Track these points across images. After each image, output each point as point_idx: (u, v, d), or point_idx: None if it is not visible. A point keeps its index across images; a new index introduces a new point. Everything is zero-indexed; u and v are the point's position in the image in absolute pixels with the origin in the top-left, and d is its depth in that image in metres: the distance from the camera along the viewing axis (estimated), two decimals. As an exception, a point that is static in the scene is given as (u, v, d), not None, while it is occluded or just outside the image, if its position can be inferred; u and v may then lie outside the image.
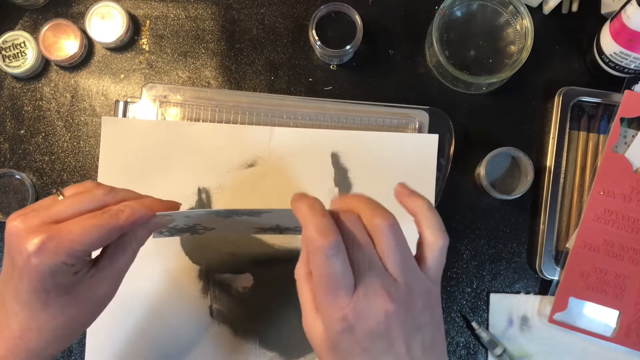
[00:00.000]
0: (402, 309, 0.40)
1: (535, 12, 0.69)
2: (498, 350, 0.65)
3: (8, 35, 0.66)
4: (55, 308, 0.42)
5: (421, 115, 0.67)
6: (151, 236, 0.48)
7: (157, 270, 0.64)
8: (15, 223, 0.41)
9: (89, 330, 0.63)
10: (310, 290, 0.42)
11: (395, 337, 0.40)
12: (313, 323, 0.42)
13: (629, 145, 0.66)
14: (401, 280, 0.41)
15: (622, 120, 0.66)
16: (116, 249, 0.45)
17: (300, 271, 0.43)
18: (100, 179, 0.65)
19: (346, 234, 0.41)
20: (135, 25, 0.69)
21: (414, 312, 0.42)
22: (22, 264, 0.40)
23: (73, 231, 0.41)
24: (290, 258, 0.65)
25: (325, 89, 0.68)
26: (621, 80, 0.67)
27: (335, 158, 0.66)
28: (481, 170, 0.65)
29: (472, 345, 0.66)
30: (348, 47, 0.64)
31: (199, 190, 0.65)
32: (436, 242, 0.44)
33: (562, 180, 0.67)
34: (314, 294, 0.41)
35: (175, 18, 0.69)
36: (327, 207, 0.45)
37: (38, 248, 0.40)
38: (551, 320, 0.65)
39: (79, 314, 0.44)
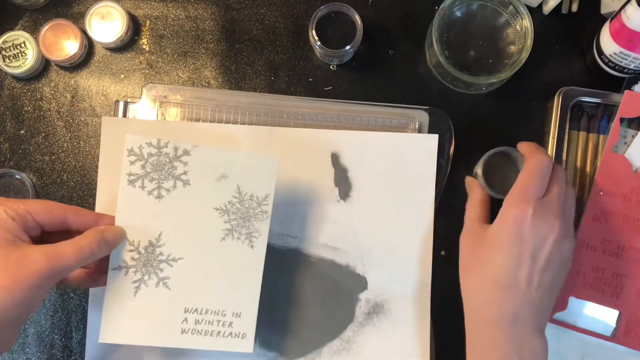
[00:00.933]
0: (561, 236, 0.55)
1: (535, 12, 0.69)
2: (498, 350, 0.65)
3: (8, 35, 0.66)
4: None
5: (421, 115, 0.67)
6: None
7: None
8: None
9: (88, 330, 0.63)
10: (480, 209, 0.62)
11: (547, 250, 0.55)
12: (478, 227, 0.60)
13: (628, 145, 0.66)
14: (566, 219, 0.57)
15: (622, 120, 0.66)
16: (64, 236, 0.51)
17: (473, 200, 0.63)
18: (100, 179, 0.65)
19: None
20: (135, 25, 0.69)
21: (565, 246, 0.56)
22: None
23: (21, 199, 0.51)
24: (290, 258, 0.65)
25: (325, 89, 0.69)
26: (621, 80, 0.67)
27: (335, 158, 0.66)
28: (478, 169, 0.65)
29: (472, 345, 0.66)
30: (348, 47, 0.64)
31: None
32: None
33: (562, 180, 0.67)
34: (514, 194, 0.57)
35: (175, 18, 0.69)
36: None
37: None
38: (551, 320, 0.65)
39: (2, 270, 0.47)
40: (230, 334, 0.55)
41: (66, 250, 0.49)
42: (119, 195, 0.54)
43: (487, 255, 0.56)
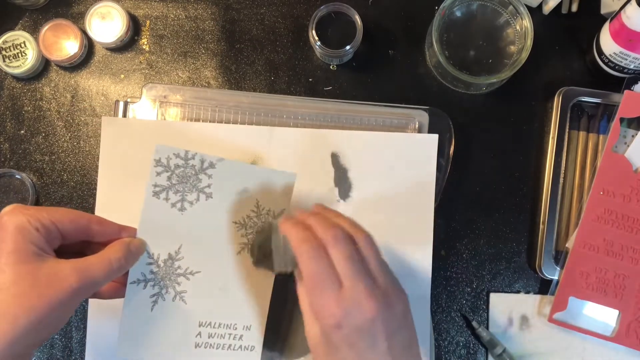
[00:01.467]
0: (384, 309, 0.45)
1: (535, 12, 0.69)
2: (498, 350, 0.65)
3: (8, 36, 0.66)
4: (9, 275, 0.44)
5: (421, 115, 0.67)
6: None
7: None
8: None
9: (89, 330, 0.63)
10: (306, 294, 0.47)
11: (378, 334, 0.44)
12: (311, 324, 0.46)
13: (628, 145, 0.66)
14: (382, 283, 0.46)
15: (621, 120, 0.66)
16: (92, 253, 0.49)
17: (298, 282, 0.49)
18: (100, 179, 0.65)
19: (328, 241, 0.46)
20: (135, 25, 0.69)
21: (394, 313, 0.46)
22: None
23: (45, 207, 0.49)
24: (290, 257, 0.65)
25: (325, 89, 0.69)
26: (621, 80, 0.67)
27: (335, 158, 0.66)
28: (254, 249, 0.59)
29: (472, 345, 0.67)
30: (348, 47, 0.64)
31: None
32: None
33: (562, 180, 0.67)
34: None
35: (175, 18, 0.69)
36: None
37: (10, 210, 0.46)
38: (551, 320, 0.65)
39: (32, 290, 0.44)
40: (240, 347, 0.56)
41: (96, 265, 0.47)
42: (143, 207, 0.54)
43: None
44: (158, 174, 0.54)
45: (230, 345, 0.55)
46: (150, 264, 0.53)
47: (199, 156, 0.55)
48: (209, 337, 0.55)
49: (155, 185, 0.54)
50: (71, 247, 0.49)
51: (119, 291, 0.55)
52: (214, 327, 0.55)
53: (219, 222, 0.55)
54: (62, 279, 0.44)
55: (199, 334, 0.55)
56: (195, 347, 0.54)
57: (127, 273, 0.53)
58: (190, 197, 0.54)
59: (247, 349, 0.56)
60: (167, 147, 0.54)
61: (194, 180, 0.55)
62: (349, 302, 0.44)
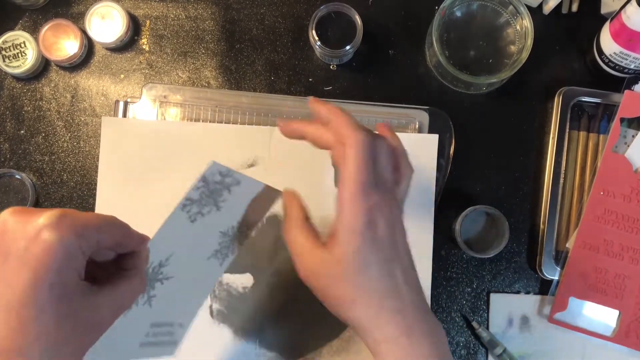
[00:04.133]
0: (400, 225, 0.47)
1: (535, 12, 0.69)
2: (498, 350, 0.65)
3: (8, 35, 0.66)
4: (52, 316, 0.34)
5: (421, 115, 0.67)
6: None
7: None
8: (10, 211, 0.35)
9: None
10: (307, 231, 0.47)
11: (400, 246, 0.46)
12: (319, 253, 0.46)
13: (629, 145, 0.66)
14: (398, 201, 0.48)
15: (622, 120, 0.66)
16: (119, 273, 0.41)
17: (294, 219, 0.48)
18: (100, 179, 0.65)
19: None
20: (135, 25, 0.69)
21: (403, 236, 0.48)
22: (22, 251, 0.33)
23: (88, 215, 0.36)
24: (290, 258, 0.65)
25: (325, 89, 0.68)
26: (621, 80, 0.67)
27: (335, 158, 0.66)
28: (456, 225, 0.65)
29: (472, 345, 0.66)
30: (348, 47, 0.64)
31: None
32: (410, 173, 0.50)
33: (562, 180, 0.67)
34: (340, 203, 0.45)
35: (175, 18, 0.69)
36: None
37: (54, 222, 0.34)
38: (551, 320, 0.65)
39: (73, 335, 0.36)
40: (164, 342, 0.53)
41: (127, 297, 0.40)
42: (167, 218, 0.47)
43: (360, 279, 0.44)
44: (198, 188, 0.48)
45: (158, 343, 0.52)
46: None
47: (238, 176, 0.50)
48: (154, 336, 0.51)
49: (188, 199, 0.48)
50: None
51: None
52: (160, 327, 0.51)
53: (212, 230, 0.52)
54: (101, 321, 0.38)
55: (148, 333, 0.51)
56: (140, 346, 0.51)
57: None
58: (205, 210, 0.50)
59: (168, 344, 0.53)
60: (219, 164, 0.48)
61: (217, 195, 0.50)
62: (381, 205, 0.45)
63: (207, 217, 0.50)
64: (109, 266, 0.40)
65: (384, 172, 0.46)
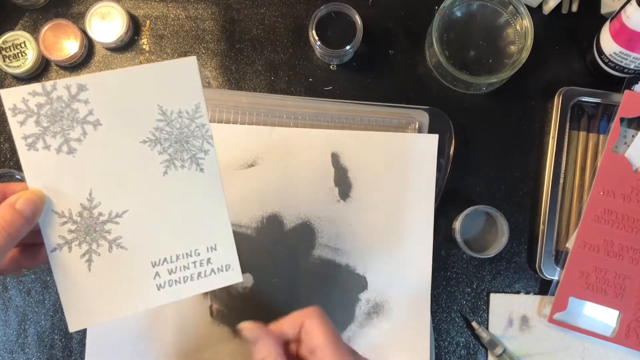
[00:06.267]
0: None
1: (535, 12, 0.69)
2: (498, 350, 0.65)
3: (8, 35, 0.66)
4: None
5: (421, 115, 0.67)
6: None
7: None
8: None
9: (88, 331, 0.63)
10: None
11: None
12: None
13: (629, 145, 0.66)
14: None
15: (622, 120, 0.66)
16: None
17: None
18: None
19: None
20: (135, 25, 0.69)
21: None
22: None
23: None
24: (290, 257, 0.65)
25: (325, 89, 0.69)
26: (621, 80, 0.67)
27: (335, 158, 0.66)
28: (456, 224, 0.65)
29: (472, 345, 0.67)
30: (348, 47, 0.64)
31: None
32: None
33: (562, 180, 0.67)
34: None
35: (175, 18, 0.69)
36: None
37: None
38: (551, 320, 0.65)
39: None
40: (213, 270, 0.48)
41: None
42: (23, 166, 0.45)
43: None
44: (21, 123, 0.44)
45: (199, 274, 0.48)
46: (64, 223, 0.46)
47: (61, 83, 0.44)
48: (170, 274, 0.48)
49: (25, 137, 0.44)
50: None
51: (28, 260, 0.48)
52: (171, 262, 0.48)
53: (123, 148, 0.46)
54: None
55: (157, 274, 0.47)
56: (159, 289, 0.47)
57: (35, 234, 0.46)
58: (74, 135, 0.45)
59: (222, 270, 0.49)
60: (16, 88, 0.44)
61: (69, 112, 0.45)
62: None
63: (88, 140, 0.46)
64: None
65: None
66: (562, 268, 0.65)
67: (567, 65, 0.70)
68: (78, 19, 0.68)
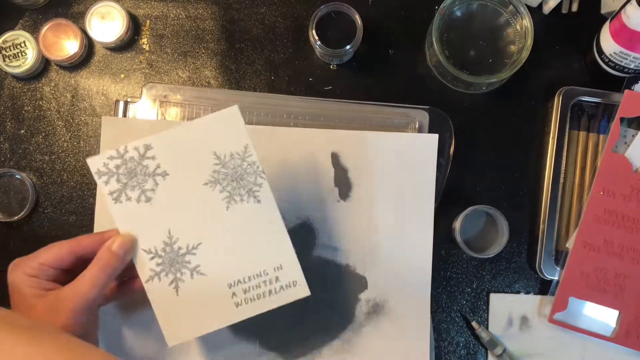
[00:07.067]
0: None
1: (535, 12, 0.69)
2: (498, 350, 0.65)
3: (8, 35, 0.66)
4: (25, 312, 0.51)
5: (421, 115, 0.67)
6: None
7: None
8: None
9: (89, 330, 0.64)
10: None
11: None
12: None
13: (629, 145, 0.66)
14: None
15: (622, 120, 0.66)
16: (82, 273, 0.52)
17: None
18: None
19: None
20: (135, 25, 0.69)
21: None
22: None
23: (35, 254, 0.53)
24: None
25: (325, 89, 0.68)
26: (621, 80, 0.67)
27: (335, 158, 0.66)
28: (456, 224, 0.65)
29: (472, 345, 0.66)
30: (348, 47, 0.64)
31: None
32: None
33: (562, 180, 0.67)
34: None
35: (175, 18, 0.69)
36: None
37: (10, 268, 0.53)
38: (551, 320, 0.65)
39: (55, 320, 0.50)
40: (282, 287, 0.55)
41: (84, 284, 0.51)
42: (113, 217, 0.54)
43: None
44: (106, 182, 0.53)
45: (270, 291, 0.55)
46: (152, 258, 0.54)
47: (131, 146, 0.54)
48: (245, 293, 0.55)
49: (111, 193, 0.54)
50: (82, 267, 0.53)
51: (121, 291, 0.58)
52: (244, 283, 0.55)
53: (190, 191, 0.54)
54: (63, 305, 0.50)
55: (234, 294, 0.55)
56: (237, 306, 0.55)
57: (128, 270, 0.55)
58: (148, 186, 0.54)
59: (290, 286, 0.55)
60: (98, 156, 0.53)
61: (141, 169, 0.54)
62: None
63: (160, 189, 0.55)
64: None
65: None
66: (562, 268, 0.65)
67: (567, 65, 0.70)
68: (78, 19, 0.68)
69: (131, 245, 0.53)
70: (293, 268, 0.55)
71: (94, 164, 0.53)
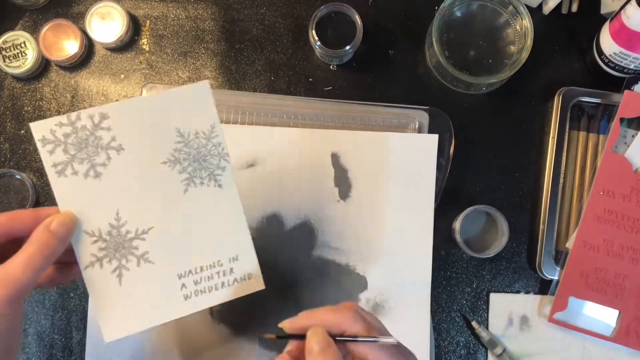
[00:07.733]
0: None
1: (535, 12, 0.69)
2: (498, 350, 0.65)
3: (8, 36, 0.66)
4: None
5: (421, 115, 0.67)
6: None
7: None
8: None
9: (88, 331, 0.63)
10: None
11: None
12: None
13: (628, 145, 0.66)
14: None
15: (622, 120, 0.66)
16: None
17: None
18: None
19: None
20: (135, 25, 0.69)
21: None
22: None
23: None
24: (290, 257, 0.65)
25: (325, 89, 0.69)
26: (621, 80, 0.67)
27: (335, 158, 0.66)
28: (457, 225, 0.65)
29: (472, 345, 0.67)
30: (348, 47, 0.64)
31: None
32: None
33: (562, 180, 0.67)
34: None
35: (175, 18, 0.69)
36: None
37: None
38: (551, 320, 0.65)
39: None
40: (235, 279, 0.51)
41: (16, 268, 0.43)
42: (54, 192, 0.48)
43: None
44: (50, 152, 0.47)
45: (223, 283, 0.51)
46: (95, 242, 0.49)
47: (85, 113, 0.47)
48: (195, 285, 0.50)
49: (55, 165, 0.47)
50: (13, 250, 0.45)
51: (62, 275, 0.50)
52: (196, 274, 0.51)
53: (146, 170, 0.49)
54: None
55: (183, 285, 0.50)
56: (185, 299, 0.50)
57: (68, 253, 0.48)
58: (99, 160, 0.48)
59: (245, 279, 0.52)
60: (44, 121, 0.47)
61: (94, 140, 0.48)
62: None
63: (112, 164, 0.49)
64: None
65: None
66: (562, 268, 0.65)
67: (567, 65, 0.70)
68: (78, 19, 0.68)
69: (73, 225, 0.47)
70: (249, 260, 0.52)
71: (38, 129, 0.47)
